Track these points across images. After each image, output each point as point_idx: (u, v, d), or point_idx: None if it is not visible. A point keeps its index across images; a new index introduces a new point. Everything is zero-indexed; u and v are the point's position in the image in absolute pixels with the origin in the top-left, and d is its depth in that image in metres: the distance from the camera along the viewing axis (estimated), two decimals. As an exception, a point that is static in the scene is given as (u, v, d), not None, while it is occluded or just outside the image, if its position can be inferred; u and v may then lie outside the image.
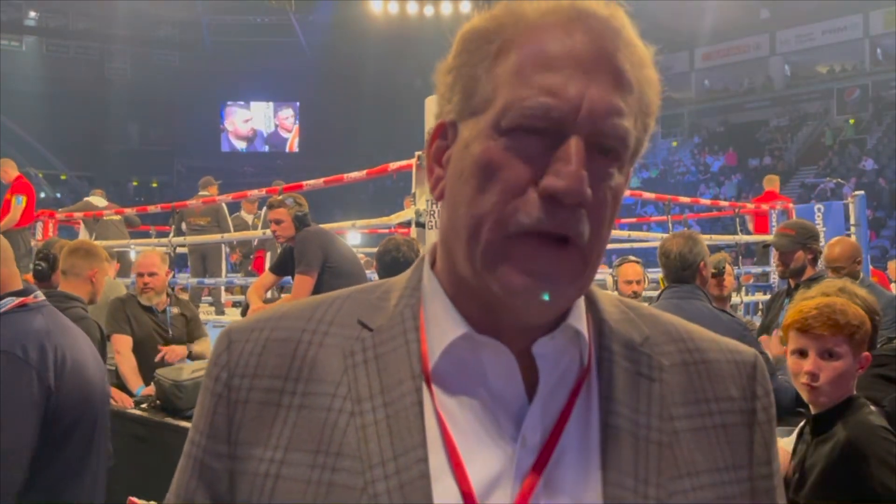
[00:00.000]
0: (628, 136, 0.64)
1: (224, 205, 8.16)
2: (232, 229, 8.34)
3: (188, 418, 3.38)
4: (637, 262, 5.09)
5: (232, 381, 0.69)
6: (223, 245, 8.39)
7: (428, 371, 0.67)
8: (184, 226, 7.79)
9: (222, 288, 8.53)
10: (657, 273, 7.46)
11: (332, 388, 0.67)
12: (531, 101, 0.62)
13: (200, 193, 8.60)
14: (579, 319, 0.69)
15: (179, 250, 7.48)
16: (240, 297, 8.98)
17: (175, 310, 4.37)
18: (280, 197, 4.88)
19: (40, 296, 2.04)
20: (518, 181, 0.62)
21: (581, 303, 0.70)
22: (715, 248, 5.71)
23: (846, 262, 4.19)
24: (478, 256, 0.64)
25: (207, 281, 7.94)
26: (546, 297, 0.63)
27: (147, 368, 3.98)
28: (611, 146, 0.63)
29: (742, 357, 0.74)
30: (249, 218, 9.13)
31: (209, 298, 8.59)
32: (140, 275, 4.25)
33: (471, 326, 0.67)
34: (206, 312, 7.71)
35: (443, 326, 0.68)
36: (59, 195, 27.25)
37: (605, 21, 0.64)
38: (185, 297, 6.02)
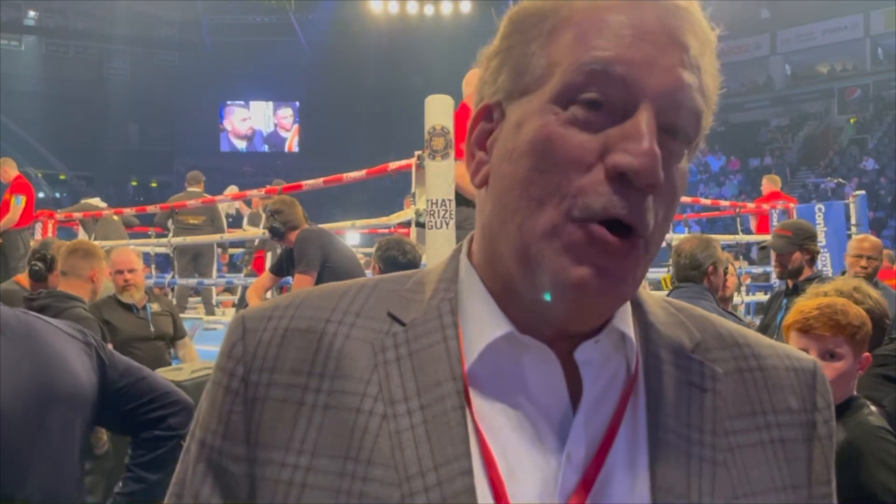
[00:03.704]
0: (702, 112, 0.58)
1: (218, 203, 8.12)
2: (226, 229, 8.30)
3: (188, 419, 3.38)
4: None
5: (250, 376, 0.62)
6: (215, 245, 8.34)
7: (465, 373, 0.60)
8: (170, 223, 7.64)
9: (213, 288, 8.48)
10: (656, 273, 7.47)
11: (362, 387, 0.60)
12: (588, 56, 0.55)
13: (192, 191, 8.48)
14: (625, 322, 0.62)
15: (158, 250, 7.39)
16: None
17: (155, 306, 4.36)
18: (267, 204, 4.91)
19: None
20: (581, 158, 0.55)
21: (626, 304, 0.63)
22: (715, 248, 5.72)
23: (876, 253, 4.44)
24: (532, 241, 0.56)
25: (207, 282, 7.91)
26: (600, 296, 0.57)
27: None
28: (682, 125, 0.57)
29: (801, 364, 0.67)
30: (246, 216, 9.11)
31: (197, 299, 8.52)
32: (119, 272, 4.18)
33: (513, 325, 0.60)
34: (197, 312, 7.69)
35: (481, 324, 0.61)
36: (58, 195, 27.24)
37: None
38: (167, 296, 5.99)
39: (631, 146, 0.54)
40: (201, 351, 4.87)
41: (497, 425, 0.59)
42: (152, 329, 4.28)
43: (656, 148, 0.54)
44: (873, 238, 4.84)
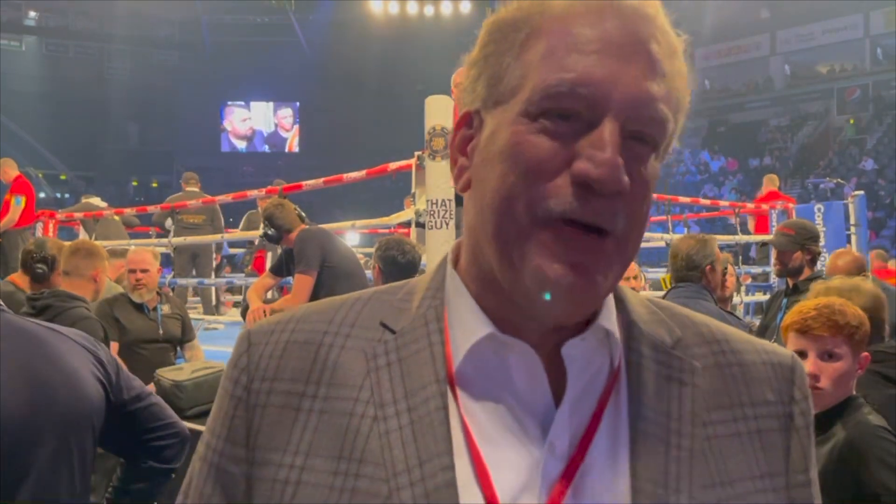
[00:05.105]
0: (667, 121, 0.61)
1: (217, 204, 8.10)
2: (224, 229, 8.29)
3: (188, 418, 3.38)
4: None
5: (252, 384, 0.67)
6: (213, 245, 8.31)
7: (452, 374, 0.65)
8: (168, 222, 7.51)
9: (213, 288, 8.46)
10: (656, 273, 7.48)
11: (355, 393, 0.65)
12: (555, 77, 0.59)
13: (190, 190, 8.44)
14: (610, 320, 0.66)
15: (160, 250, 7.38)
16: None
17: (166, 308, 4.37)
18: (264, 208, 4.90)
19: None
20: (548, 163, 0.59)
21: (610, 302, 0.67)
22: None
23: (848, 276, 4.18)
24: (507, 243, 0.61)
25: (208, 281, 7.90)
26: (580, 294, 0.60)
27: (142, 367, 3.98)
28: (647, 133, 0.60)
29: (779, 359, 0.71)
30: None
31: (197, 299, 8.51)
32: (132, 271, 4.23)
33: (495, 327, 0.64)
34: (198, 312, 7.68)
35: (466, 327, 0.66)
36: (58, 195, 27.25)
37: (638, 7, 0.62)
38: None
39: (594, 155, 0.58)
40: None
41: (483, 420, 0.64)
42: (161, 331, 4.28)
43: (618, 157, 0.58)
44: (851, 253, 4.53)
